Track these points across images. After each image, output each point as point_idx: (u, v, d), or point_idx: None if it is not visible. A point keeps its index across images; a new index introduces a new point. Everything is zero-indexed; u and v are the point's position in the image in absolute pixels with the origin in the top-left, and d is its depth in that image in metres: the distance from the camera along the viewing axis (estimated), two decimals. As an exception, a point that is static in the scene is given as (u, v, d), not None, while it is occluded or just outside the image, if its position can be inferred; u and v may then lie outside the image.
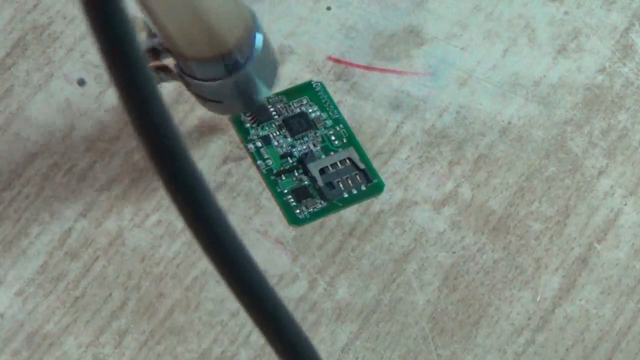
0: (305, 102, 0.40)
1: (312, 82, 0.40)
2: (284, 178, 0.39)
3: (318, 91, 0.40)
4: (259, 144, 0.39)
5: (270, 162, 0.39)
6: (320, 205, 0.38)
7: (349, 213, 0.38)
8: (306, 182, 0.39)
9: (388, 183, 0.39)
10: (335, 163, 0.39)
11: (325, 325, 0.37)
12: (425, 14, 0.42)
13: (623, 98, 0.41)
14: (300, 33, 0.41)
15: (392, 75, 0.41)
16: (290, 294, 0.37)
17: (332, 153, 0.39)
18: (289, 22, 0.42)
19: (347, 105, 0.40)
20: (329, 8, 0.42)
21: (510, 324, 0.37)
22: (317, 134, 0.40)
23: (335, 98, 0.40)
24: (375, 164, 0.39)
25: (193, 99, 0.40)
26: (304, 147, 0.39)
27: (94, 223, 0.38)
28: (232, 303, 0.37)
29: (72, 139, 0.39)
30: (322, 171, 0.39)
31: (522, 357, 0.36)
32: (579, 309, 0.37)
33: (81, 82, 0.40)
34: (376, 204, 0.38)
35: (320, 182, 0.39)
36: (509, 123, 0.40)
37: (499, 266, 0.38)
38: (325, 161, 0.39)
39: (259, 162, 0.39)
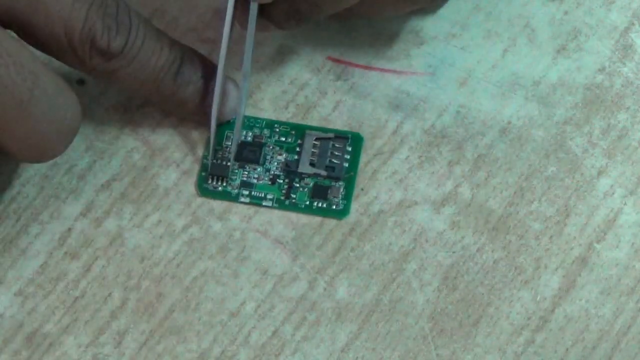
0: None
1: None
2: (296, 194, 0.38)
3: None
4: (244, 191, 0.38)
5: (270, 195, 0.38)
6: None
7: (349, 213, 0.38)
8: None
9: (388, 183, 0.39)
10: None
11: (325, 325, 0.37)
12: (425, 14, 0.42)
13: (623, 98, 0.41)
14: (300, 33, 0.41)
15: (391, 75, 0.41)
16: (290, 293, 0.37)
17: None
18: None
19: (346, 105, 0.40)
20: (328, 8, 0.42)
21: (510, 323, 0.37)
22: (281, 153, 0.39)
23: (335, 98, 0.40)
24: (375, 163, 0.39)
25: (193, 98, 0.40)
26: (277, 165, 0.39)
27: (94, 223, 0.38)
28: (232, 303, 0.37)
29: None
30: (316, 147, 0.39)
31: (522, 357, 0.36)
32: (578, 308, 0.37)
33: (80, 82, 0.40)
34: (376, 204, 0.38)
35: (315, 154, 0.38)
36: (509, 123, 0.40)
37: (499, 266, 0.38)
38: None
39: (264, 203, 0.38)
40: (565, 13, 0.42)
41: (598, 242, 0.38)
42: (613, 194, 0.39)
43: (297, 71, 0.41)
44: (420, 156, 0.39)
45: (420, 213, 0.38)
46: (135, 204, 0.38)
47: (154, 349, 0.36)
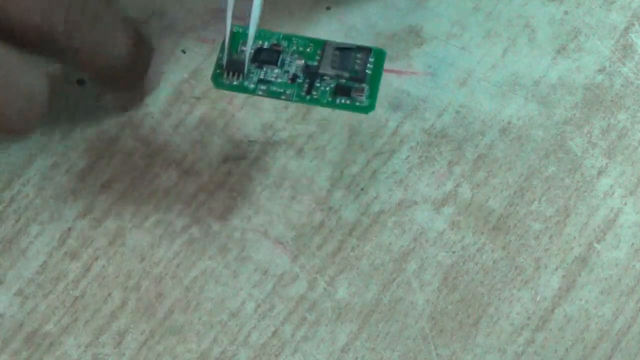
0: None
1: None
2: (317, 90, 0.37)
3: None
4: (262, 86, 0.37)
5: (290, 91, 0.37)
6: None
7: (349, 213, 0.38)
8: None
9: (388, 183, 0.39)
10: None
11: (325, 325, 0.37)
12: (425, 13, 0.42)
13: (623, 98, 0.41)
14: (300, 33, 0.41)
15: (391, 75, 0.41)
16: (290, 293, 0.37)
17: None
18: (289, 22, 0.42)
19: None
20: (328, 8, 0.42)
21: (510, 323, 0.37)
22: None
23: (335, 98, 0.40)
24: (375, 163, 0.39)
25: (193, 99, 0.40)
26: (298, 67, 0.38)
27: (93, 223, 0.38)
28: (232, 303, 0.37)
29: (72, 139, 0.39)
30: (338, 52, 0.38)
31: (522, 357, 0.36)
32: (578, 308, 0.37)
33: (81, 82, 0.40)
34: (376, 204, 0.38)
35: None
36: (509, 123, 0.40)
37: (499, 266, 0.38)
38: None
39: (282, 97, 0.37)
40: (565, 13, 0.42)
41: (598, 242, 0.38)
42: (613, 194, 0.39)
43: None
44: (420, 156, 0.39)
45: (420, 213, 0.38)
46: (135, 204, 0.38)
47: (154, 349, 0.36)
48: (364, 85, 0.37)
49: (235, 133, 0.39)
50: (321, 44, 0.38)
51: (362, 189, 0.39)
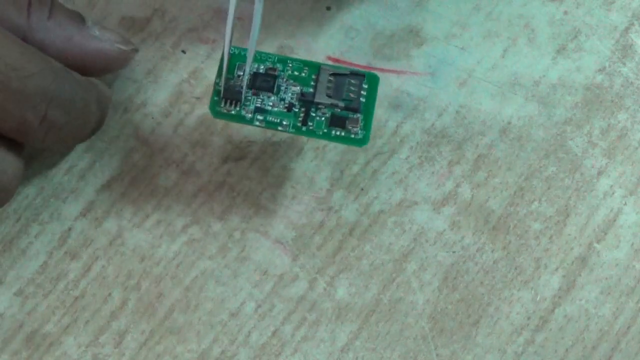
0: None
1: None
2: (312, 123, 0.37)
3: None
4: (259, 116, 0.37)
5: (286, 121, 0.37)
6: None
7: (349, 213, 0.38)
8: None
9: (388, 183, 0.39)
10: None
11: (325, 325, 0.37)
12: (425, 13, 0.42)
13: (623, 98, 0.41)
14: (300, 33, 0.41)
15: (391, 75, 0.41)
16: (290, 293, 0.37)
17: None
18: (289, 22, 0.42)
19: (347, 105, 0.40)
20: (328, 8, 0.42)
21: (510, 323, 0.37)
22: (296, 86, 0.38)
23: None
24: (375, 163, 0.39)
25: (193, 99, 0.40)
26: (293, 94, 0.38)
27: (94, 223, 0.38)
28: (232, 303, 0.37)
29: (72, 139, 0.39)
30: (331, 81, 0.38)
31: (522, 357, 0.36)
32: (578, 308, 0.37)
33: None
34: (376, 204, 0.38)
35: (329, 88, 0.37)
36: (509, 123, 0.40)
37: (499, 266, 0.38)
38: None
39: (279, 128, 0.37)
40: (565, 13, 0.42)
41: (598, 242, 0.38)
42: (613, 194, 0.39)
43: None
44: (420, 156, 0.39)
45: (420, 213, 0.38)
46: (135, 204, 0.38)
47: (154, 349, 0.36)
48: (358, 115, 0.37)
49: (235, 133, 0.39)
50: (316, 68, 0.38)
51: (362, 189, 0.39)
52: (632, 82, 0.41)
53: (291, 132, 0.37)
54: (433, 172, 0.39)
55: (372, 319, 0.37)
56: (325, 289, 0.37)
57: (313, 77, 0.38)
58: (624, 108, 0.41)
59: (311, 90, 0.38)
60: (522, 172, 0.39)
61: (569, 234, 0.38)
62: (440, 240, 0.38)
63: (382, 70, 0.41)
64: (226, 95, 0.37)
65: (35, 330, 0.36)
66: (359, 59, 0.41)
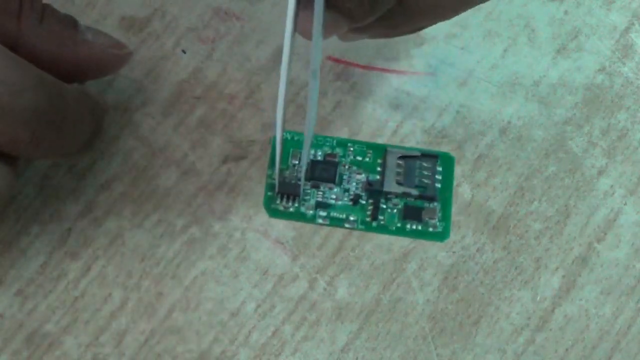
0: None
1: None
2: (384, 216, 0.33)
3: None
4: (321, 212, 0.33)
5: (353, 217, 0.33)
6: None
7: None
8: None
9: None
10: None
11: (325, 325, 0.37)
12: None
13: (623, 98, 0.41)
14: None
15: (391, 75, 0.41)
16: (290, 293, 0.37)
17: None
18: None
19: (346, 105, 0.40)
20: (328, 8, 0.42)
21: (510, 323, 0.37)
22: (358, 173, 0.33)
23: (335, 98, 0.40)
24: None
25: (193, 99, 0.40)
26: (357, 184, 0.33)
27: (93, 223, 0.38)
28: (232, 303, 0.37)
29: (72, 139, 0.39)
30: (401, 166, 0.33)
31: (522, 356, 0.36)
32: (578, 308, 0.37)
33: (81, 81, 0.40)
34: (376, 203, 0.38)
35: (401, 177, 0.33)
36: (509, 123, 0.40)
37: (499, 266, 0.38)
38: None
39: (346, 226, 0.33)
40: (565, 13, 0.42)
41: (598, 242, 0.38)
42: (613, 194, 0.39)
43: (297, 71, 0.41)
44: (420, 156, 0.39)
45: (420, 213, 0.38)
46: (135, 204, 0.38)
47: (154, 349, 0.36)
48: (436, 204, 0.34)
49: (235, 133, 0.39)
50: (381, 151, 0.34)
51: (362, 189, 0.39)
52: (632, 82, 0.41)
53: (360, 229, 0.33)
54: (433, 172, 0.39)
55: (372, 319, 0.37)
56: (325, 289, 0.37)
57: (379, 161, 0.34)
58: (624, 108, 0.41)
59: (378, 177, 0.33)
60: (522, 172, 0.39)
61: (569, 234, 0.38)
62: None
63: (382, 70, 0.41)
64: (282, 190, 0.33)
65: (35, 330, 0.36)
66: (358, 59, 0.41)
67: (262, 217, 0.38)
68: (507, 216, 0.38)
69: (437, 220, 0.34)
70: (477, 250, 0.38)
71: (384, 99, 0.40)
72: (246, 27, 0.41)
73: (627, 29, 0.42)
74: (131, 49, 0.37)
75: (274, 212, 0.34)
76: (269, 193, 0.34)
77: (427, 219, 0.34)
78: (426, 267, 0.38)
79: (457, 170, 0.39)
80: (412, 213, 0.34)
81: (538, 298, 0.37)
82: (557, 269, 0.38)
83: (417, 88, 0.41)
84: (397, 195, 0.34)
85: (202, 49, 0.41)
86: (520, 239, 0.38)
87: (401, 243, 0.38)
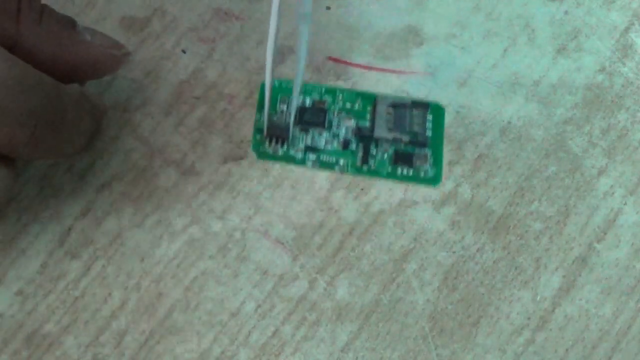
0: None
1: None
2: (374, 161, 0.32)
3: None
4: (311, 155, 0.33)
5: (343, 161, 0.33)
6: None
7: (349, 213, 0.38)
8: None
9: (388, 183, 0.39)
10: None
11: (325, 325, 0.37)
12: (425, 13, 0.42)
13: (623, 98, 0.41)
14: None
15: (391, 74, 0.41)
16: (290, 293, 0.37)
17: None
18: (289, 22, 0.42)
19: (347, 105, 0.40)
20: (328, 8, 0.42)
21: (510, 323, 0.37)
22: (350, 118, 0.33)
23: (335, 98, 0.40)
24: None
25: (193, 99, 0.40)
26: (347, 129, 0.33)
27: (94, 223, 0.38)
28: (232, 303, 0.37)
29: (72, 139, 0.39)
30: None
31: (522, 356, 0.36)
32: (578, 308, 0.37)
33: (80, 82, 0.40)
34: (376, 204, 0.38)
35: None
36: (509, 123, 0.40)
37: (499, 266, 0.38)
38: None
39: (336, 169, 0.33)
40: (565, 13, 0.42)
41: (598, 242, 0.38)
42: (613, 194, 0.39)
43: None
44: (420, 156, 0.39)
45: (420, 213, 0.38)
46: (135, 204, 0.38)
47: (154, 349, 0.36)
48: (426, 150, 0.33)
49: (235, 133, 0.39)
50: (370, 99, 0.34)
51: (362, 189, 0.39)
52: (632, 82, 0.41)
53: (351, 173, 0.33)
54: (433, 172, 0.39)
55: (372, 319, 0.37)
56: (325, 289, 0.37)
57: (369, 109, 0.34)
58: (624, 108, 0.41)
59: (368, 124, 0.34)
60: (522, 172, 0.39)
61: (569, 234, 0.38)
62: (440, 240, 0.38)
63: (381, 69, 0.41)
64: (271, 133, 0.33)
65: (35, 330, 0.36)
66: (358, 59, 0.41)
67: (262, 217, 0.38)
68: (507, 216, 0.38)
69: (428, 165, 0.33)
70: (477, 250, 0.38)
71: (384, 99, 0.40)
72: (246, 27, 0.41)
73: (627, 29, 0.42)
74: (130, 49, 0.37)
75: (262, 155, 0.33)
76: (258, 136, 0.33)
77: (418, 163, 0.33)
78: (426, 267, 0.38)
79: (457, 170, 0.39)
80: (403, 158, 0.33)
81: (538, 298, 0.37)
82: (557, 269, 0.38)
83: (417, 88, 0.41)
84: (387, 141, 0.33)
85: (202, 49, 0.41)
86: (520, 239, 0.38)
87: (401, 243, 0.38)
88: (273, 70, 0.32)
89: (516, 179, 0.39)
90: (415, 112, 0.34)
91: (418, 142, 0.33)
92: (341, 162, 0.33)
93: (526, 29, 0.42)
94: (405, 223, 0.38)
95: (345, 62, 0.41)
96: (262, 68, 0.41)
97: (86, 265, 0.37)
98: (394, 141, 0.33)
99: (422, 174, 0.34)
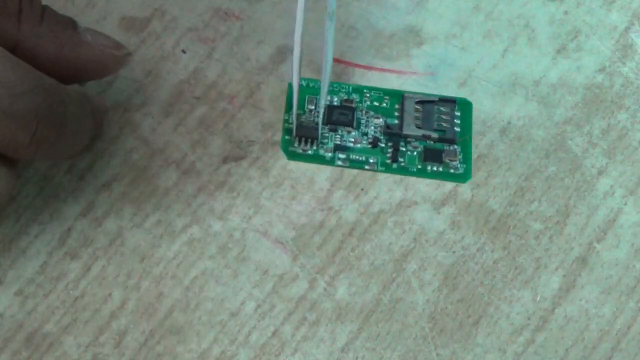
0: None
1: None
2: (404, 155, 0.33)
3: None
4: (340, 155, 0.33)
5: (373, 159, 0.33)
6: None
7: (349, 213, 0.38)
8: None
9: (388, 183, 0.39)
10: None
11: (325, 325, 0.37)
12: (425, 13, 0.42)
13: (623, 98, 0.41)
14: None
15: (391, 74, 0.41)
16: (290, 293, 0.37)
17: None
18: (289, 22, 0.42)
19: (347, 105, 0.40)
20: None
21: (510, 323, 0.37)
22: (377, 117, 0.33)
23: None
24: (375, 163, 0.39)
25: (193, 99, 0.40)
26: (376, 127, 0.33)
27: (93, 223, 0.38)
28: (232, 303, 0.37)
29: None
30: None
31: (522, 356, 0.36)
32: (578, 308, 0.37)
33: (81, 82, 0.40)
34: (376, 204, 0.38)
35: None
36: (509, 123, 0.40)
37: (499, 266, 0.38)
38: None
39: (366, 167, 0.33)
40: (565, 13, 0.42)
41: (598, 242, 0.38)
42: (613, 194, 0.39)
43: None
44: (420, 156, 0.39)
45: (420, 213, 0.38)
46: (135, 204, 0.38)
47: (154, 349, 0.36)
48: (456, 147, 0.34)
49: (235, 133, 0.39)
50: (398, 97, 0.34)
51: (362, 189, 0.39)
52: (632, 82, 0.41)
53: (380, 171, 0.33)
54: (433, 172, 0.39)
55: (372, 319, 0.37)
56: (325, 289, 0.37)
57: (396, 106, 0.34)
58: (624, 108, 0.41)
59: (396, 121, 0.34)
60: (522, 172, 0.39)
61: (569, 234, 0.38)
62: (440, 240, 0.38)
63: (381, 70, 0.41)
64: (300, 133, 0.33)
65: (35, 330, 0.36)
66: (358, 59, 0.41)
67: (262, 217, 0.38)
68: (507, 216, 0.38)
69: (458, 162, 0.34)
70: (477, 250, 0.38)
71: (384, 99, 0.40)
72: (246, 27, 0.41)
73: (627, 29, 0.42)
74: (130, 49, 0.37)
75: (292, 155, 0.34)
76: (287, 137, 0.33)
77: (447, 160, 0.34)
78: (426, 267, 0.38)
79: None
80: (432, 155, 0.34)
81: (538, 298, 0.37)
82: (557, 269, 0.38)
83: (417, 88, 0.41)
84: (416, 138, 0.34)
85: (202, 49, 0.41)
86: (520, 239, 0.38)
87: (401, 243, 0.38)
88: (300, 70, 0.32)
89: (516, 179, 0.39)
90: (442, 108, 0.34)
91: (447, 139, 0.34)
92: (371, 160, 0.33)
93: (526, 29, 0.42)
94: (405, 223, 0.38)
95: (346, 63, 0.41)
96: (262, 68, 0.41)
97: (86, 265, 0.37)
98: (423, 138, 0.34)
99: (452, 171, 0.34)
